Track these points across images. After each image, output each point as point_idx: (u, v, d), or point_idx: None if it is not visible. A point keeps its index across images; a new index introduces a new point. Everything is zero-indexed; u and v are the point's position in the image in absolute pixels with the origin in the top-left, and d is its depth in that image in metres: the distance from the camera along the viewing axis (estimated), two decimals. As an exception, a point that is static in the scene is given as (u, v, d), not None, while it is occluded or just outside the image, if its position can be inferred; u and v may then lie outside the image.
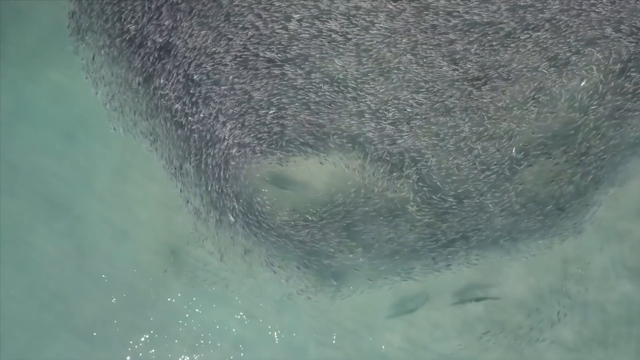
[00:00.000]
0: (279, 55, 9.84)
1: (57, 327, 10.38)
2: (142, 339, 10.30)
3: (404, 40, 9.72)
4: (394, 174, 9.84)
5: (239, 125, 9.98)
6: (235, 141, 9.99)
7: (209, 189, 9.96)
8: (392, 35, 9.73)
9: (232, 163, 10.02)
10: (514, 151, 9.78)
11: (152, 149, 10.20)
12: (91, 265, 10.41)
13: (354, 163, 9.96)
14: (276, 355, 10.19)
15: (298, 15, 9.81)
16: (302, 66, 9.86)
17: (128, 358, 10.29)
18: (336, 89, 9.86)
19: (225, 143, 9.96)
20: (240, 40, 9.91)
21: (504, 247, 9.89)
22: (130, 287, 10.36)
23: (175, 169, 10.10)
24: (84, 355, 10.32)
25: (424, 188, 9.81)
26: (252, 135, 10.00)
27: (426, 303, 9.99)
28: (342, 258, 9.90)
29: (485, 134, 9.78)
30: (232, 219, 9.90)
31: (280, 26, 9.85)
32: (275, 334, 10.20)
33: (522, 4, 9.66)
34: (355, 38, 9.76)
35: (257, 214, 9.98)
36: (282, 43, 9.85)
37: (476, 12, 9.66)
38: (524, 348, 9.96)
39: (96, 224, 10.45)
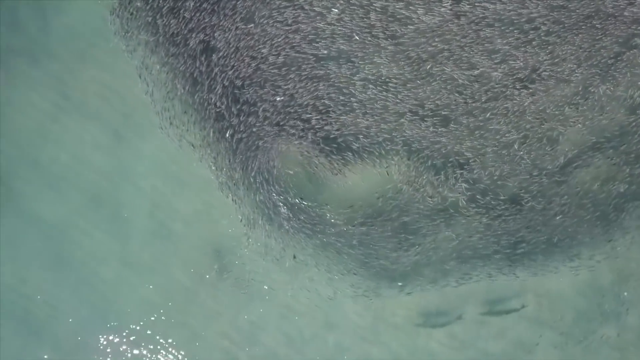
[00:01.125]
0: (322, 52, 9.77)
1: (99, 323, 10.39)
2: (186, 335, 10.30)
3: (443, 38, 9.67)
4: (441, 176, 9.77)
5: (286, 128, 9.95)
6: (282, 146, 9.99)
7: (258, 196, 9.97)
8: (431, 33, 9.67)
9: (278, 167, 10.02)
10: (564, 152, 9.70)
11: (199, 154, 10.23)
12: (135, 263, 10.42)
13: (401, 165, 9.90)
14: (322, 351, 10.20)
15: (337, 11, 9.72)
16: (345, 66, 9.80)
17: (172, 355, 10.32)
18: (380, 88, 9.79)
19: (273, 148, 9.96)
20: (285, 40, 9.86)
21: (560, 250, 9.84)
22: (175, 284, 10.36)
23: (224, 175, 10.12)
24: (128, 351, 10.34)
25: (472, 192, 9.74)
26: (298, 138, 9.97)
27: (475, 303, 9.98)
28: (398, 259, 9.89)
29: (533, 136, 9.70)
30: (285, 225, 9.92)
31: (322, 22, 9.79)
32: (322, 331, 10.19)
33: (559, 3, 9.57)
34: (396, 36, 9.71)
35: (309, 217, 9.96)
36: (324, 39, 9.79)
37: (515, 10, 9.58)
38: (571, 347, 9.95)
39: (141, 221, 10.45)
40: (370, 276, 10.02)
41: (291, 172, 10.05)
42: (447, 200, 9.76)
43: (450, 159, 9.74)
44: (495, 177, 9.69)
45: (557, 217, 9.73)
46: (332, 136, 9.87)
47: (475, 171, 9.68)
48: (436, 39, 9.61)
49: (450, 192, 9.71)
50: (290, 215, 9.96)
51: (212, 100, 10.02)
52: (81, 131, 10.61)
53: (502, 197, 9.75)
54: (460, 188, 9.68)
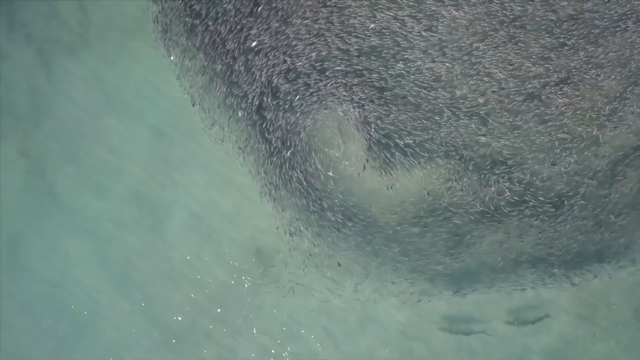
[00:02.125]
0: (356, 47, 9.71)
1: (139, 318, 10.46)
2: (226, 331, 10.37)
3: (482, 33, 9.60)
4: (481, 177, 9.69)
5: (333, 130, 9.93)
6: (327, 148, 9.97)
7: (301, 200, 9.96)
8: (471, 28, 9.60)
9: (321, 170, 9.99)
10: (609, 154, 9.60)
11: (241, 158, 10.25)
12: (175, 258, 10.46)
13: (442, 166, 9.84)
14: (360, 348, 10.24)
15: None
16: (386, 65, 9.75)
17: (212, 351, 10.37)
18: (428, 87, 9.74)
19: (318, 154, 9.95)
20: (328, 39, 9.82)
21: (612, 257, 9.73)
22: (216, 281, 10.39)
23: (265, 179, 10.12)
24: (168, 347, 10.41)
25: (516, 194, 9.64)
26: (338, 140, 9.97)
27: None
28: (448, 264, 9.83)
29: (575, 137, 9.61)
30: (330, 231, 9.88)
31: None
32: (364, 327, 10.21)
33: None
34: (438, 33, 9.66)
35: (356, 222, 9.90)
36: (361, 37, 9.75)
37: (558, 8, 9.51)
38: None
39: (181, 217, 10.46)
40: (422, 281, 9.94)
41: (336, 176, 10.00)
42: (492, 202, 9.70)
43: (491, 159, 9.69)
44: (540, 178, 9.63)
45: (612, 218, 9.61)
46: (374, 138, 9.84)
47: (517, 172, 9.62)
48: (470, 38, 9.58)
49: (495, 194, 9.66)
50: (339, 221, 9.90)
51: (251, 100, 10.02)
52: (120, 127, 10.61)
53: (549, 199, 9.67)
54: (503, 189, 9.63)
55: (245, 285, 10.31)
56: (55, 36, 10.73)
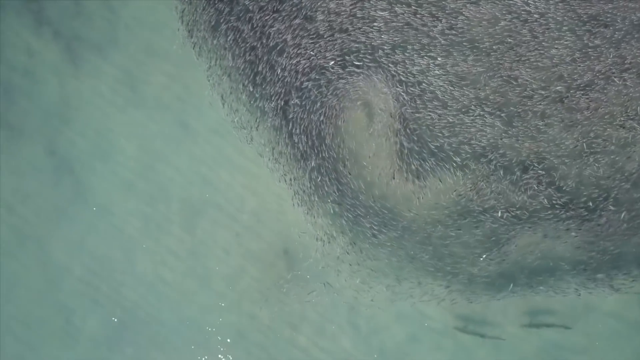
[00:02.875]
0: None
1: (170, 314, 10.54)
2: (255, 326, 10.40)
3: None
4: (512, 180, 9.59)
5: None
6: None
7: (333, 207, 9.94)
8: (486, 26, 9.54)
9: (353, 174, 9.95)
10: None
11: (271, 161, 10.20)
12: (203, 254, 10.50)
13: (477, 170, 9.75)
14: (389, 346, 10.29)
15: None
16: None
17: (244, 347, 10.43)
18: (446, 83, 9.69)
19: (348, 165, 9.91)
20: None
21: None
22: (247, 278, 10.42)
23: (297, 184, 10.10)
24: (199, 345, 10.47)
25: (548, 196, 9.55)
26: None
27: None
28: (487, 265, 9.75)
29: (606, 141, 9.47)
30: (371, 237, 9.85)
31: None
32: (394, 326, 10.20)
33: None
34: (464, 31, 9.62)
35: (391, 227, 9.85)
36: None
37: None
38: None
39: (210, 214, 10.49)
40: (458, 284, 9.87)
41: (368, 181, 9.94)
42: (525, 206, 9.60)
43: (520, 163, 9.59)
44: (571, 182, 9.52)
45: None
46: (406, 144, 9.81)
47: (546, 177, 9.51)
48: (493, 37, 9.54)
49: (527, 197, 9.56)
50: (373, 227, 9.84)
51: (277, 101, 10.00)
52: (149, 123, 10.64)
53: (582, 203, 9.54)
54: (535, 193, 9.55)
55: (275, 283, 10.34)
56: (83, 33, 10.76)
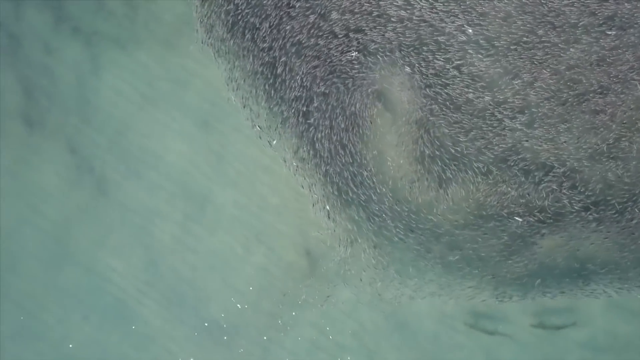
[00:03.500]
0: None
1: (187, 311, 10.53)
2: (275, 325, 10.40)
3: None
4: (534, 183, 9.47)
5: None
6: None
7: (358, 212, 9.88)
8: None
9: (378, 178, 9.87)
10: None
11: (292, 164, 10.13)
12: (223, 252, 10.48)
13: (500, 174, 9.62)
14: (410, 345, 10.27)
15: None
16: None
17: (262, 344, 10.42)
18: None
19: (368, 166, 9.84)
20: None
21: None
22: (266, 275, 10.40)
23: (319, 190, 10.05)
24: (217, 342, 10.47)
25: (568, 201, 9.44)
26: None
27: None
28: (514, 266, 9.67)
29: (627, 143, 9.32)
30: (398, 241, 9.78)
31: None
32: (415, 325, 10.21)
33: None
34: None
35: (419, 230, 9.78)
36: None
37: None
38: None
39: (229, 211, 10.45)
40: (487, 285, 9.81)
41: (391, 186, 9.82)
42: (550, 209, 9.47)
43: (542, 166, 9.44)
44: (594, 185, 9.39)
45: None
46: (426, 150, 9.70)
47: (569, 180, 9.39)
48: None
49: (551, 201, 9.44)
50: (399, 232, 9.76)
51: (297, 106, 9.91)
52: (168, 120, 10.59)
53: (607, 205, 9.40)
54: (559, 196, 9.42)
55: (296, 283, 10.32)
56: (102, 30, 10.70)
